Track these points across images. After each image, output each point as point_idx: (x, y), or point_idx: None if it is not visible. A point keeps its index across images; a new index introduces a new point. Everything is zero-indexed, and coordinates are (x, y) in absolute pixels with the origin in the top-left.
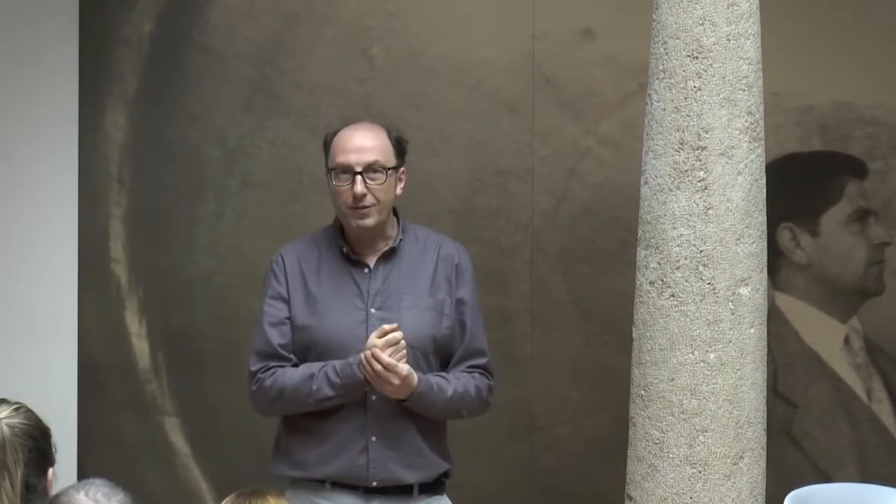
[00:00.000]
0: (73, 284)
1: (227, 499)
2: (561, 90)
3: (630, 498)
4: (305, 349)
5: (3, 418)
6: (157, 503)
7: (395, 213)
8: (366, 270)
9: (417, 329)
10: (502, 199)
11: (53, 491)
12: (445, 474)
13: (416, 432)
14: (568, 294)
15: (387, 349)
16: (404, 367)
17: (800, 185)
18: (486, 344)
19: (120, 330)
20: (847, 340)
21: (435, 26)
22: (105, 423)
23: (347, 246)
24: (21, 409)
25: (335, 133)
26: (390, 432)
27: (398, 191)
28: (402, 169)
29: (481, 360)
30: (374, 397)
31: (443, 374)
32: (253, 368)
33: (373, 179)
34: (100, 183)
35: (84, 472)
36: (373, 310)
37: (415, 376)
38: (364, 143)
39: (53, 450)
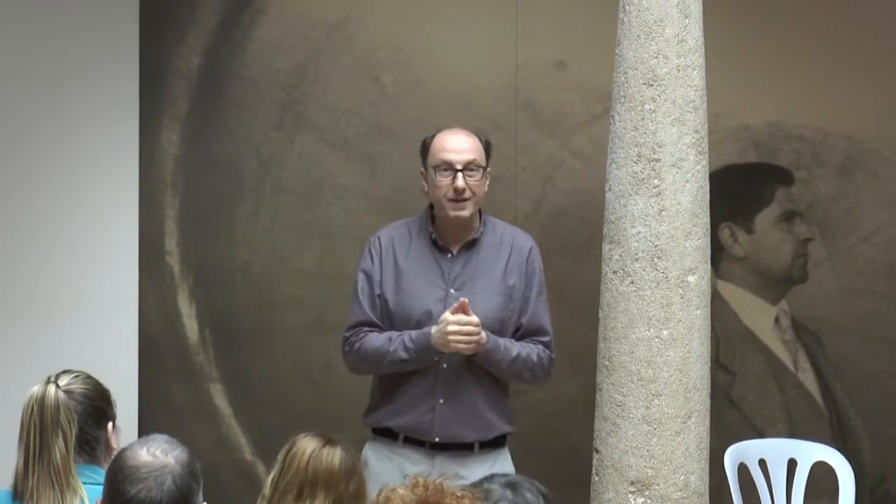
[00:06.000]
0: (135, 273)
1: (309, 439)
2: (539, 111)
3: (597, 451)
4: (391, 319)
5: (63, 385)
6: (204, 454)
7: (478, 208)
8: (449, 255)
9: (486, 310)
10: (491, 202)
11: (116, 441)
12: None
13: (480, 398)
14: (546, 281)
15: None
16: (475, 319)
17: (738, 191)
18: (550, 325)
19: (173, 311)
20: (777, 320)
21: (435, 59)
22: (161, 389)
23: (436, 233)
24: (80, 376)
25: (433, 137)
26: (456, 396)
27: (485, 187)
28: (488, 169)
29: (544, 338)
30: (445, 365)
31: (512, 340)
32: (347, 334)
33: (470, 176)
34: (156, 189)
35: (143, 430)
36: (452, 290)
37: (484, 335)
38: (463, 145)
39: (113, 407)
